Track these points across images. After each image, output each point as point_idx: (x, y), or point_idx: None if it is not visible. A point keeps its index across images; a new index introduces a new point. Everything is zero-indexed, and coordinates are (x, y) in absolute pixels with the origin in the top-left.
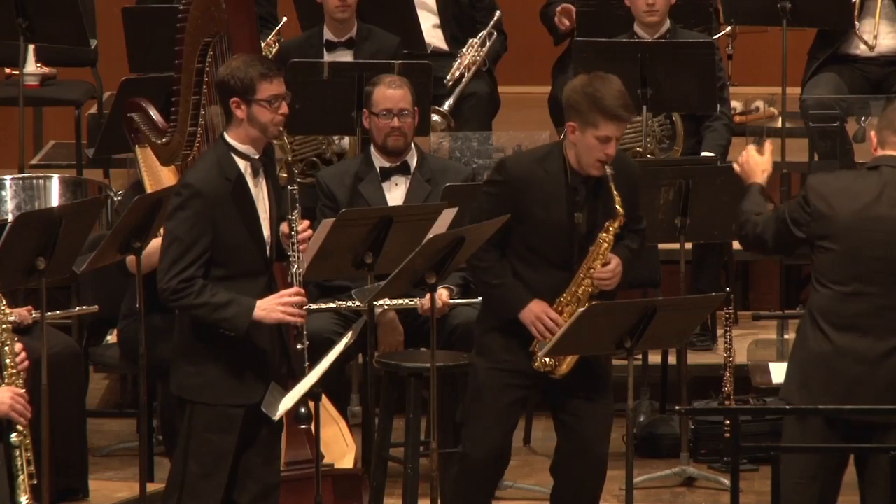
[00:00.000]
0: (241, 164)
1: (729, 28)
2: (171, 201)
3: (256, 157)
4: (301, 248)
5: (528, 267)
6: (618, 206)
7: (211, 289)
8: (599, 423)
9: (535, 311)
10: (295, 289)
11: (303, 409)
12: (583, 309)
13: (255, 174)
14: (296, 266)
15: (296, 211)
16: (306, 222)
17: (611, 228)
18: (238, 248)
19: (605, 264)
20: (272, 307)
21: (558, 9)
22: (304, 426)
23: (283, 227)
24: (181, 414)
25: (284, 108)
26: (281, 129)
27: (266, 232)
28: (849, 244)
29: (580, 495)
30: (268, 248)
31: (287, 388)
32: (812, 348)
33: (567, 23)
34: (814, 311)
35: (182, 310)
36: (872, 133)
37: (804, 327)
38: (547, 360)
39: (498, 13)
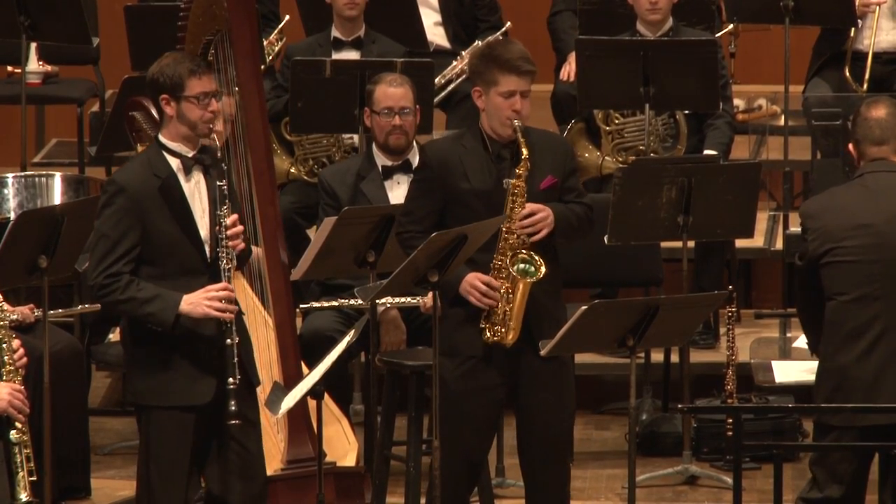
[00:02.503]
0: (173, 162)
1: (731, 26)
2: (98, 200)
3: (189, 154)
4: (231, 243)
5: None
6: (523, 151)
7: (137, 283)
8: (565, 432)
9: (469, 281)
10: (222, 284)
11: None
12: (585, 307)
13: (188, 172)
14: (224, 261)
15: (225, 207)
16: (234, 216)
17: (518, 172)
18: (170, 246)
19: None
20: (198, 301)
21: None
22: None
23: (217, 230)
24: (138, 421)
25: (214, 106)
26: (211, 126)
27: (203, 231)
28: (845, 255)
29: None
30: (206, 247)
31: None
32: (830, 362)
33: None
34: (827, 325)
35: (109, 305)
36: (850, 146)
37: (824, 345)
38: (495, 329)
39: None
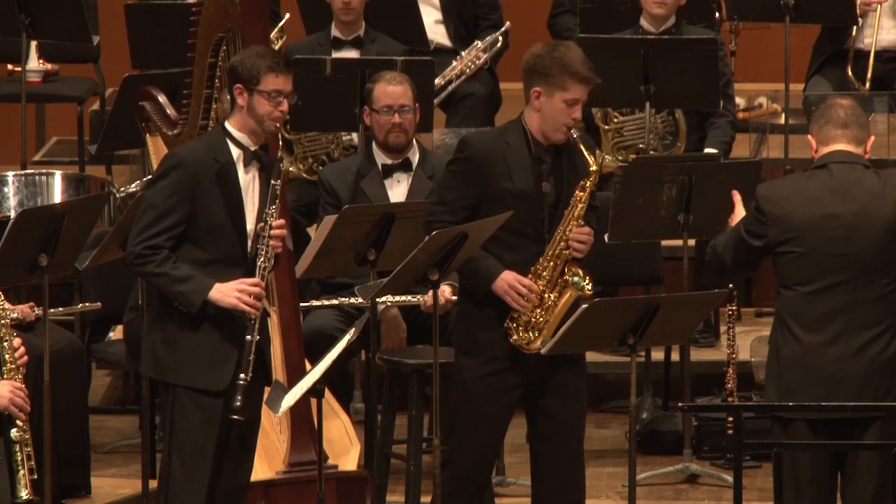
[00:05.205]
0: (235, 151)
1: (731, 24)
2: (154, 172)
3: (252, 148)
4: (272, 243)
5: (503, 246)
6: (591, 163)
7: (174, 261)
8: (578, 431)
9: (507, 280)
10: (255, 279)
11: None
12: (585, 305)
13: (247, 164)
14: (262, 259)
15: (273, 207)
16: (282, 221)
17: (587, 186)
18: (216, 231)
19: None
20: (229, 291)
21: None
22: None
23: (260, 227)
24: (162, 402)
25: (285, 106)
26: (278, 125)
27: (250, 224)
28: (809, 245)
29: (566, 498)
30: (249, 240)
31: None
32: (786, 353)
33: None
34: (783, 315)
35: (142, 276)
36: (810, 136)
37: (775, 334)
38: (521, 333)
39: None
